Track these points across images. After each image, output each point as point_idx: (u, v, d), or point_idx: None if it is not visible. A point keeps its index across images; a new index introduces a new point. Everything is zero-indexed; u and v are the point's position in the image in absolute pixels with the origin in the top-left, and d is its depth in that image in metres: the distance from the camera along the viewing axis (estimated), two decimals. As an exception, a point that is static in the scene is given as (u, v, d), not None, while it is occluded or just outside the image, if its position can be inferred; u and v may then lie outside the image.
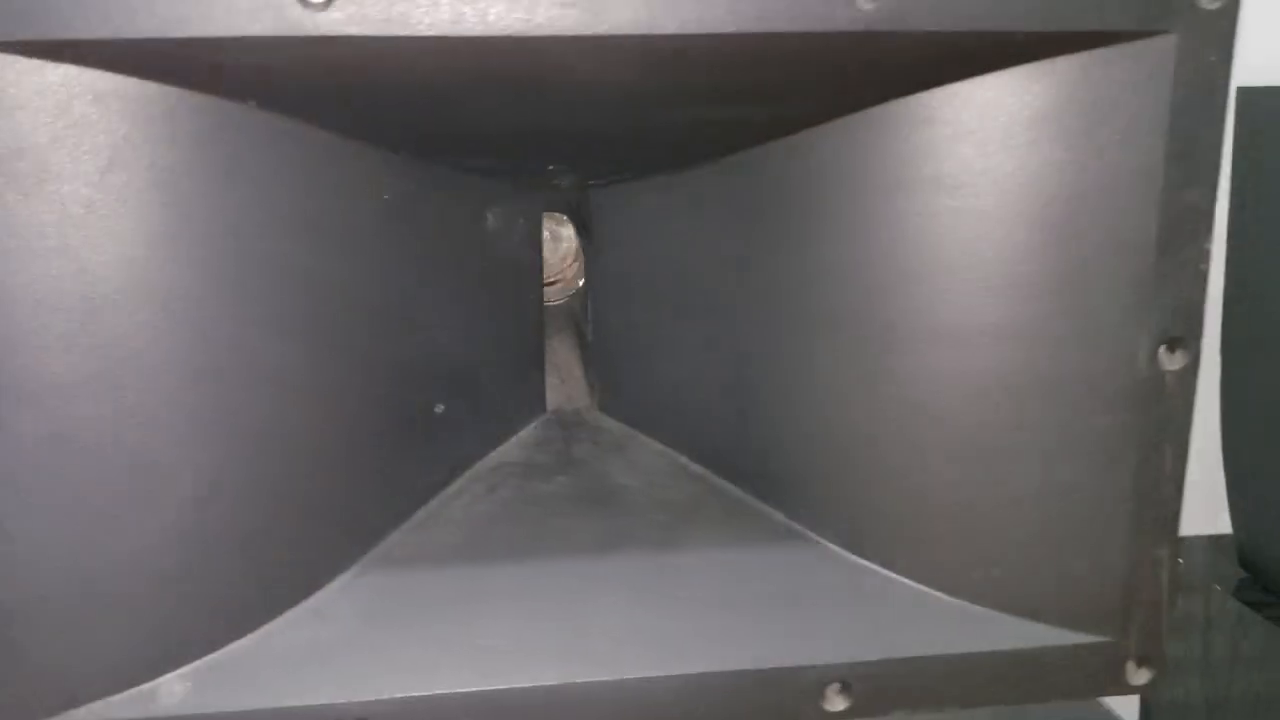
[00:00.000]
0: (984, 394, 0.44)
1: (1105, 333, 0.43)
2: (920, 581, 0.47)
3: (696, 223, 0.49)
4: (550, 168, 0.47)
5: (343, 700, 0.42)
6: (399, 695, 0.43)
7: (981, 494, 0.45)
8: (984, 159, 0.42)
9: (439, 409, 0.48)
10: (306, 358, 0.42)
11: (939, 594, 0.47)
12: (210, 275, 0.40)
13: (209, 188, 0.39)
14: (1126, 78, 0.41)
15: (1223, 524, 1.07)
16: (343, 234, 0.43)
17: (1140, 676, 0.47)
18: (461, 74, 0.39)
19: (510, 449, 0.51)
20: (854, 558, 0.48)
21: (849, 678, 0.45)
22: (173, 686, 0.42)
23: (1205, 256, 0.43)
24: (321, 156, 0.41)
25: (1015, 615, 0.46)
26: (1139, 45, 0.41)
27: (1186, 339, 0.43)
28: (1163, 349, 0.43)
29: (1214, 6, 0.40)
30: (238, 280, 0.40)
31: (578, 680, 0.44)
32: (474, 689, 0.43)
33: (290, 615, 0.44)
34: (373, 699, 0.43)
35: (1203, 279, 0.43)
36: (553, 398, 0.54)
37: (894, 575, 0.47)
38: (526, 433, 0.52)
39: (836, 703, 0.45)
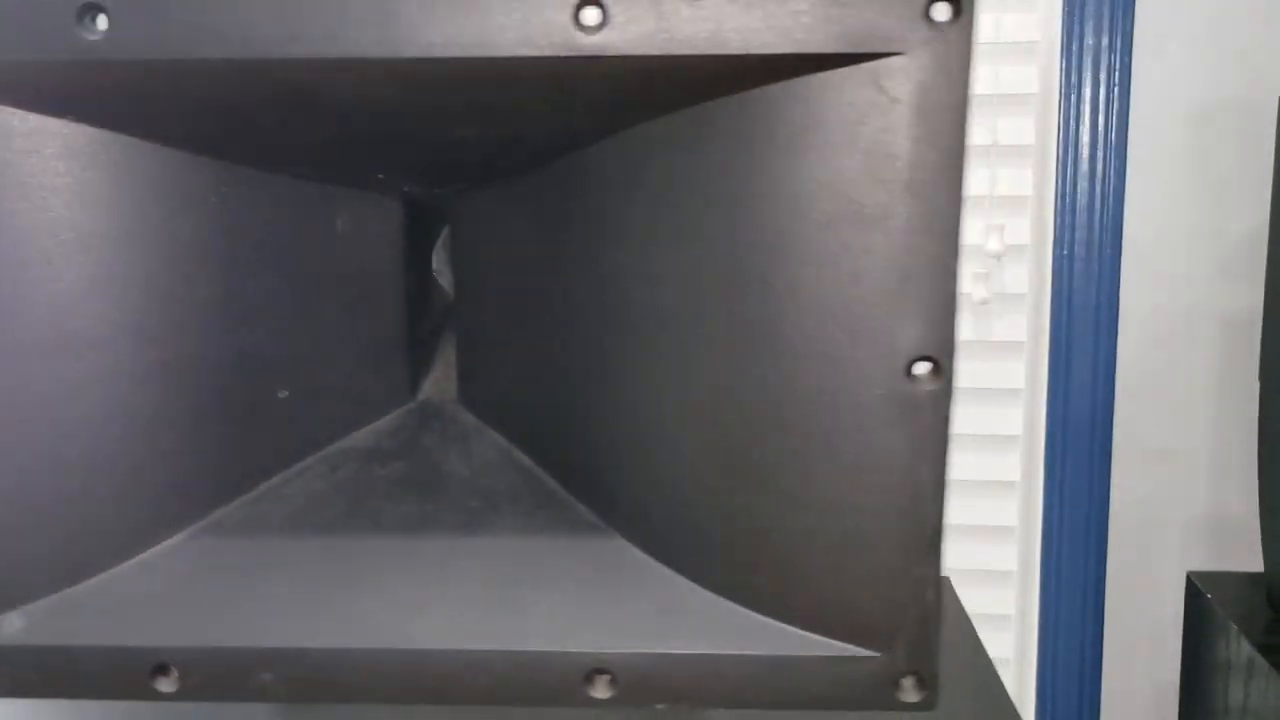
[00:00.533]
0: (752, 405, 0.46)
1: (860, 350, 0.44)
2: (700, 582, 0.48)
3: (528, 228, 0.52)
4: (380, 176, 0.51)
5: (152, 644, 0.48)
6: (200, 644, 0.48)
7: (754, 502, 0.47)
8: (741, 176, 0.44)
9: (282, 394, 0.52)
10: (135, 345, 0.48)
11: (716, 595, 0.48)
12: (48, 270, 0.46)
13: (37, 193, 0.45)
14: (866, 98, 0.42)
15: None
16: (174, 237, 0.48)
17: (912, 694, 0.47)
18: (240, 93, 0.44)
19: (365, 434, 0.56)
20: (644, 555, 0.50)
21: (615, 667, 0.48)
22: (13, 621, 0.48)
23: (954, 277, 0.43)
24: (144, 165, 0.47)
25: (786, 623, 0.47)
26: (875, 66, 0.41)
27: (939, 358, 0.44)
28: (915, 368, 0.44)
29: (947, 28, 0.41)
30: (71, 274, 0.46)
31: (362, 646, 0.48)
32: (266, 645, 0.48)
33: (122, 569, 0.50)
34: (177, 645, 0.48)
35: (952, 300, 0.43)
36: (432, 388, 0.59)
37: (677, 575, 0.49)
38: (386, 420, 0.56)
39: (602, 690, 0.48)
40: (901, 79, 0.41)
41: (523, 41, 0.41)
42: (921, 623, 0.46)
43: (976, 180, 1.12)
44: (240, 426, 0.52)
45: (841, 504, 0.46)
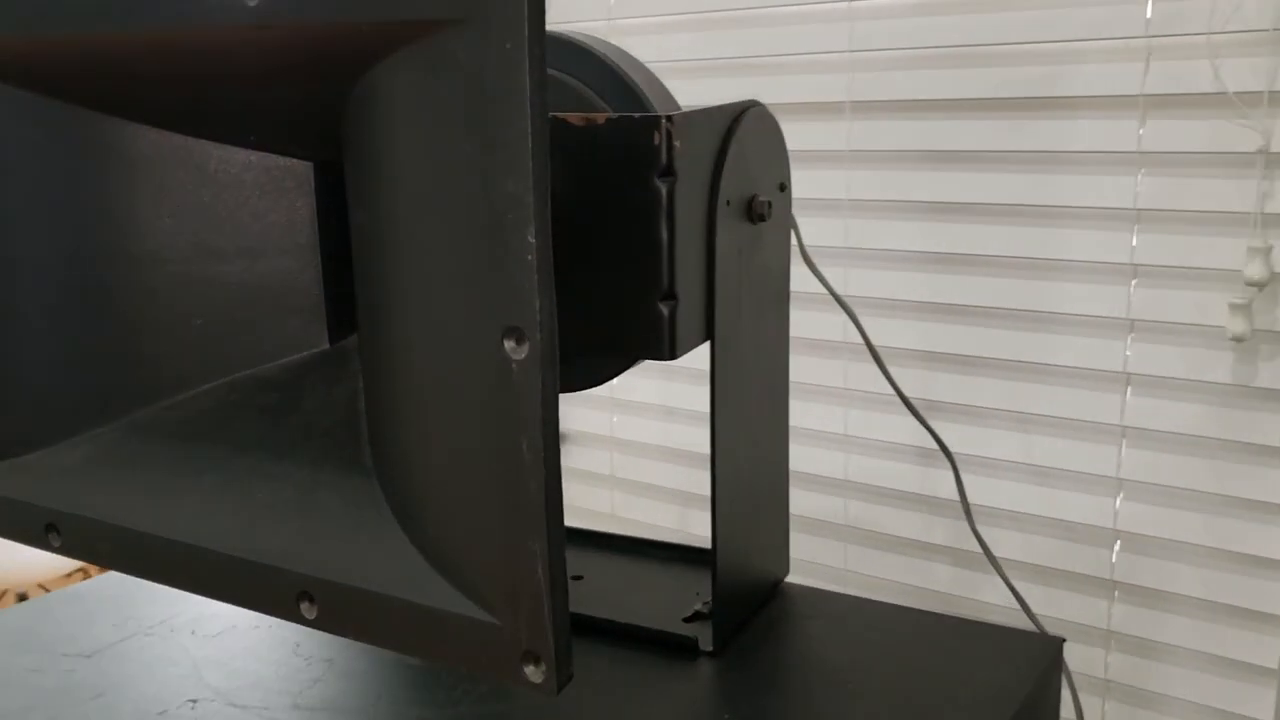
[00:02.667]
0: (404, 374, 0.48)
1: (458, 319, 0.45)
2: (406, 531, 0.51)
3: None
4: (251, 138, 0.59)
5: (46, 506, 0.61)
6: (79, 514, 0.60)
7: (418, 462, 0.49)
8: (382, 143, 0.46)
9: (197, 323, 0.63)
10: (75, 275, 0.61)
11: (411, 546, 0.51)
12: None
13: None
14: (445, 68, 0.43)
15: None
16: (106, 190, 0.60)
17: (536, 675, 0.46)
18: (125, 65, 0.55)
19: (274, 368, 0.64)
20: (381, 500, 0.53)
21: (319, 594, 0.52)
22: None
23: (531, 248, 0.42)
24: (77, 128, 0.59)
25: (451, 583, 0.48)
26: (444, 35, 0.42)
27: (525, 329, 0.43)
28: (505, 339, 0.43)
29: (507, -7, 0.40)
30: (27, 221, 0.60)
31: (166, 535, 0.57)
32: (117, 523, 0.58)
33: (59, 445, 0.63)
34: (64, 510, 0.60)
35: (532, 270, 0.42)
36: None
37: (393, 520, 0.52)
38: (297, 358, 0.64)
39: (309, 612, 0.52)
40: (465, 49, 0.41)
41: (188, 12, 0.48)
42: (536, 599, 0.45)
43: (1243, 194, 0.93)
44: (162, 348, 0.63)
45: (467, 473, 0.46)
